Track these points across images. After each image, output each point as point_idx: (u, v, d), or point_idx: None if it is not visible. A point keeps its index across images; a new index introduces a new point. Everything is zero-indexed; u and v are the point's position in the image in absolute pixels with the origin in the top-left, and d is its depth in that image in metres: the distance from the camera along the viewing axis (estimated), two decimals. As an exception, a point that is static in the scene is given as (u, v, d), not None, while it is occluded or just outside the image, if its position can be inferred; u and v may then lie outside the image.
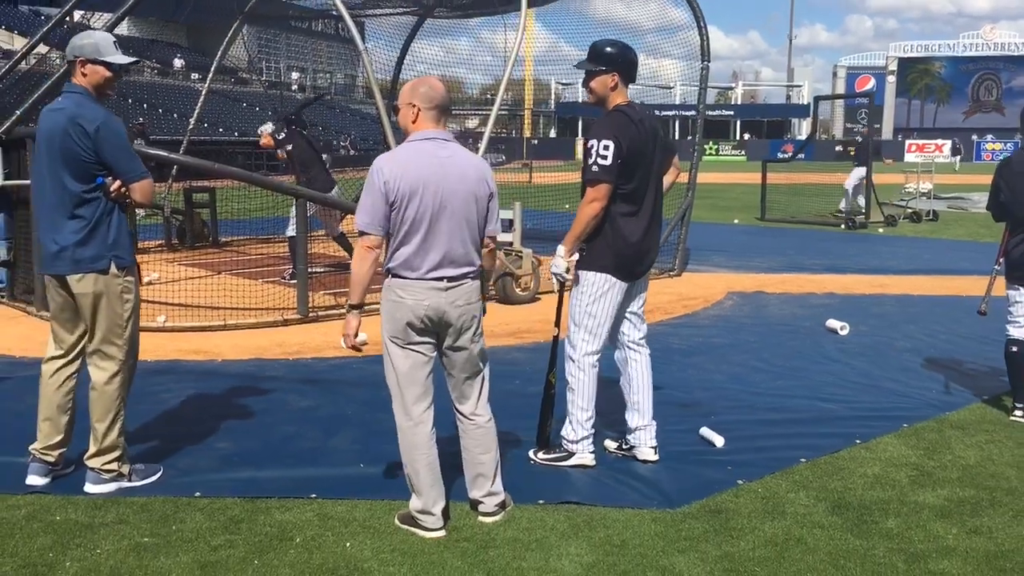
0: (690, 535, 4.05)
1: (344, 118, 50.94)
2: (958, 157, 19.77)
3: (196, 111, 14.53)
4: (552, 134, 67.76)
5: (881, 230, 17.38)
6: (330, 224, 11.10)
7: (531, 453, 4.94)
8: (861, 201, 18.50)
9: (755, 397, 6.19)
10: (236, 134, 38.65)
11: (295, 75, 60.96)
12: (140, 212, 14.09)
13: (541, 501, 4.38)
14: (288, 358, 7.22)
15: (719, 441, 5.20)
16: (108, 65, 4.40)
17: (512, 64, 9.54)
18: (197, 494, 4.43)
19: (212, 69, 14.71)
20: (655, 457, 4.91)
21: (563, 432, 4.88)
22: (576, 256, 4.69)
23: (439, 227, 3.89)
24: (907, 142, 57.21)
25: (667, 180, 4.96)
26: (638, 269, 4.79)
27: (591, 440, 4.88)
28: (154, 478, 4.61)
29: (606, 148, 4.49)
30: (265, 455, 5.01)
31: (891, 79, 73.38)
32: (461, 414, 4.19)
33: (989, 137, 61.97)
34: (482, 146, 9.30)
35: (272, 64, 58.64)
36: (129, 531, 4.02)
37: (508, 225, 9.56)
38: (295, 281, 9.10)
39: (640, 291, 4.92)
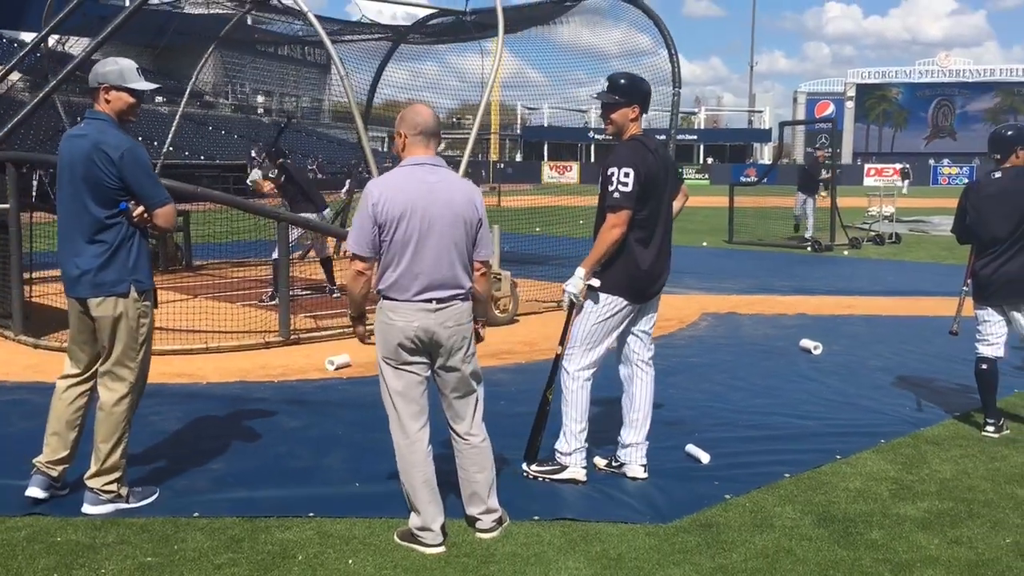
0: (683, 548, 4.16)
1: (311, 141, 50.92)
2: (907, 181, 20.28)
3: (170, 135, 14.51)
4: (518, 158, 68.15)
5: (846, 252, 17.73)
6: (318, 245, 11.14)
7: (524, 466, 5.04)
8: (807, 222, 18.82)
9: (736, 415, 6.34)
10: (202, 157, 38.47)
11: (260, 98, 60.84)
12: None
13: (536, 517, 4.47)
14: (273, 380, 7.26)
15: (705, 457, 5.34)
16: (132, 92, 4.47)
17: (490, 90, 9.69)
18: (196, 514, 4.47)
19: (186, 93, 14.71)
20: (644, 475, 5.03)
21: (556, 445, 5.00)
22: (596, 282, 4.81)
23: (426, 250, 4.00)
24: (866, 166, 58.31)
25: (676, 205, 5.15)
26: (649, 291, 4.94)
27: (584, 455, 4.99)
28: (151, 499, 4.64)
29: (626, 175, 4.64)
30: (260, 475, 5.06)
31: (850, 105, 74.78)
32: (456, 434, 4.28)
33: (945, 161, 63.28)
34: (460, 170, 9.42)
35: (238, 87, 58.49)
36: (132, 551, 4.06)
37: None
38: (274, 302, 9.15)
39: (651, 311, 5.07)
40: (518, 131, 68.72)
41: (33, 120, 10.80)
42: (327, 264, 11.18)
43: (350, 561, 3.98)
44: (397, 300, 4.02)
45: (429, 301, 4.01)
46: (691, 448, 5.44)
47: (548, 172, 58.38)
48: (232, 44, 17.31)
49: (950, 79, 73.21)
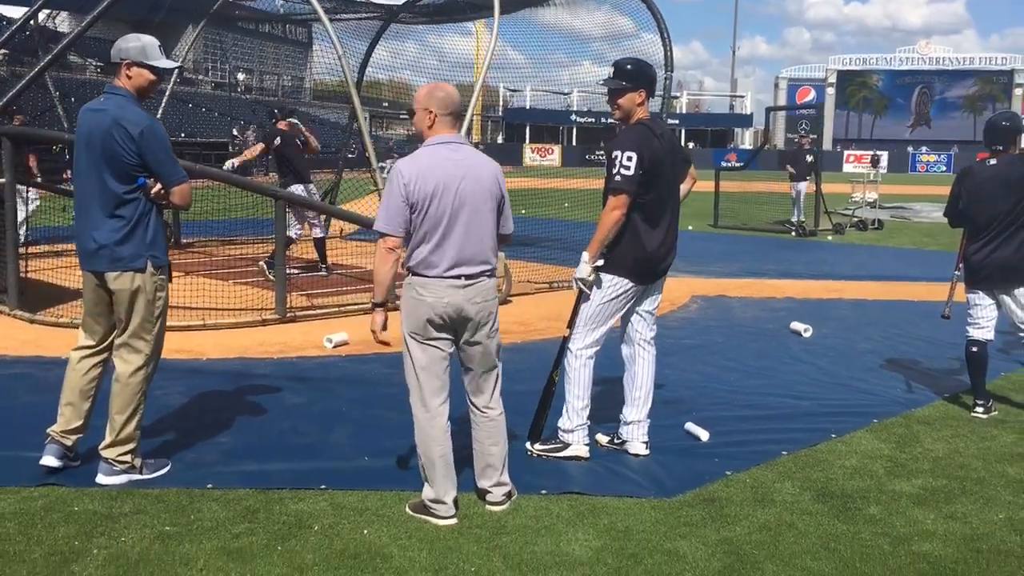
0: (688, 521, 4.28)
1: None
2: (876, 169, 20.62)
3: (159, 113, 14.40)
4: (500, 140, 68.04)
5: (830, 238, 17.93)
6: (301, 216, 11.18)
7: (528, 445, 5.14)
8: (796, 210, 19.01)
9: (732, 395, 6.47)
10: (183, 135, 38.18)
11: (241, 76, 60.42)
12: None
13: (544, 491, 4.58)
14: (272, 357, 7.32)
15: (704, 435, 5.46)
16: (153, 69, 4.50)
17: (485, 71, 9.73)
18: (209, 486, 4.55)
19: (176, 70, 14.56)
20: (646, 452, 5.15)
21: (559, 422, 5.10)
22: (601, 262, 4.90)
23: (457, 227, 4.08)
24: (846, 152, 58.68)
25: (684, 188, 5.26)
26: (655, 273, 5.03)
27: (586, 433, 5.09)
28: (164, 471, 4.71)
29: (629, 159, 4.72)
30: (267, 449, 5.14)
31: (830, 91, 75.09)
32: (475, 407, 4.37)
33: (924, 149, 63.78)
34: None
35: (218, 65, 58.04)
36: (150, 520, 4.13)
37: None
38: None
39: (656, 291, 5.17)
40: (500, 113, 68.61)
41: (22, 97, 10.73)
42: (320, 244, 11.21)
43: (365, 531, 4.07)
44: (427, 276, 4.10)
45: (458, 277, 4.10)
46: (690, 426, 5.56)
47: (529, 154, 58.34)
48: (215, 21, 17.20)
49: (930, 67, 73.69)
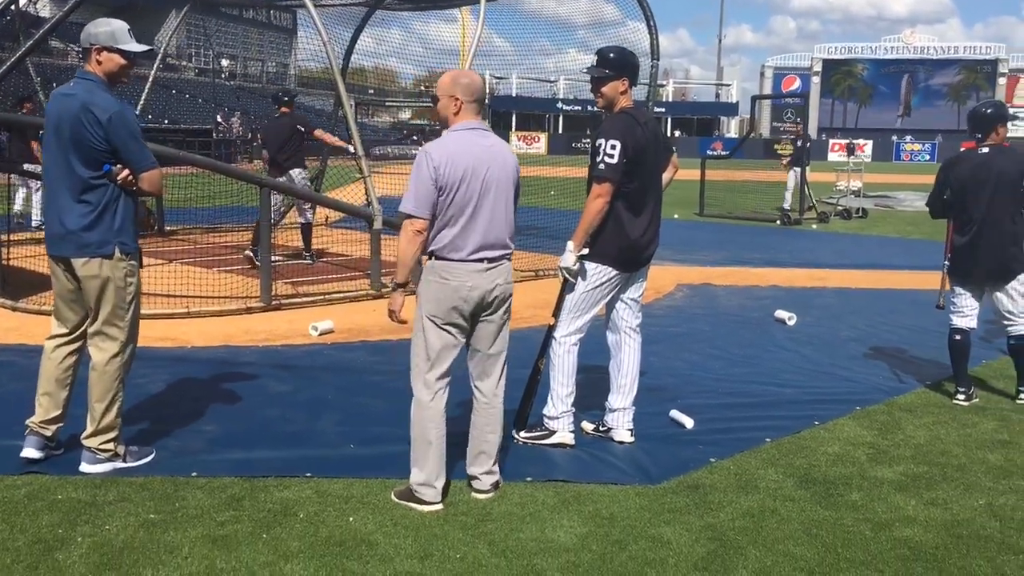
0: (673, 508, 4.31)
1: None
2: (852, 157, 20.81)
3: (142, 99, 14.32)
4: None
5: (815, 226, 18.00)
6: (303, 208, 11.13)
7: (513, 432, 5.15)
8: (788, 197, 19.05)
9: (716, 382, 6.50)
10: (166, 121, 37.97)
11: (225, 62, 60.01)
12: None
13: (529, 479, 4.59)
14: (257, 345, 7.30)
15: (688, 423, 5.48)
16: (123, 53, 4.46)
17: (472, 58, 9.70)
18: (194, 474, 4.54)
19: (159, 56, 14.52)
20: (631, 439, 5.17)
21: (544, 410, 5.11)
22: (585, 251, 4.91)
23: (482, 211, 4.15)
24: (831, 141, 58.88)
25: (666, 177, 5.27)
26: (638, 261, 5.05)
27: (571, 420, 5.11)
28: (148, 459, 4.69)
29: (613, 147, 4.73)
30: (253, 437, 5.13)
31: (816, 80, 75.33)
32: (479, 391, 4.41)
33: (908, 138, 64.07)
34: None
35: (202, 51, 57.64)
36: (134, 509, 4.12)
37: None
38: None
39: (640, 279, 5.18)
40: (487, 101, 68.36)
41: (3, 83, 10.64)
42: (307, 231, 11.18)
43: (351, 519, 4.08)
44: (451, 260, 4.15)
45: (481, 261, 4.17)
46: (675, 413, 5.59)
47: (516, 142, 58.26)
48: (198, 6, 17.07)
49: (915, 55, 73.94)
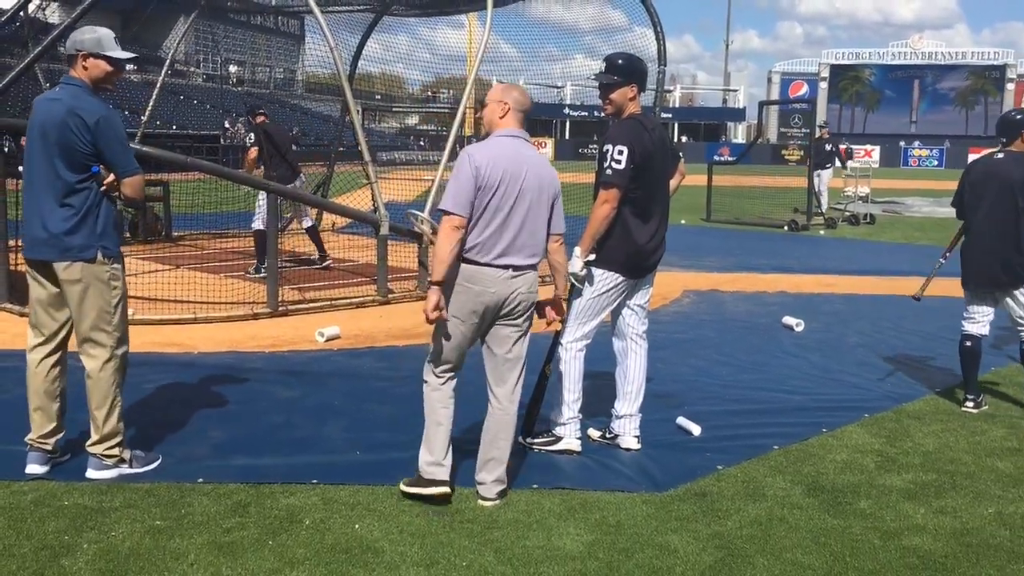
0: (680, 516, 4.29)
1: (284, 112, 50.47)
2: (849, 162, 20.92)
3: (150, 105, 14.37)
4: (493, 133, 67.80)
5: (822, 232, 17.96)
6: (299, 214, 11.13)
7: (520, 438, 5.14)
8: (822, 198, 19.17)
9: (723, 389, 6.48)
10: (174, 127, 38.04)
11: (233, 68, 60.09)
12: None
13: (535, 486, 4.58)
14: (264, 351, 7.30)
15: (696, 430, 5.46)
16: (110, 60, 4.47)
17: (479, 64, 9.71)
18: (200, 480, 4.54)
19: (168, 62, 14.60)
20: (638, 446, 5.15)
21: (551, 416, 5.10)
22: (592, 256, 4.90)
23: (514, 217, 4.21)
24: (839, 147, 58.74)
25: (673, 184, 5.26)
26: (645, 267, 5.03)
27: (578, 426, 5.10)
28: (154, 465, 4.69)
29: (620, 153, 4.73)
30: (259, 443, 5.12)
31: (823, 85, 75.14)
32: (495, 397, 4.44)
33: (916, 143, 63.90)
34: (448, 145, 9.50)
35: (210, 57, 57.78)
36: (140, 515, 4.12)
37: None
38: (262, 275, 9.17)
39: (647, 285, 5.17)
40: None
41: (12, 88, 10.67)
42: (314, 234, 11.18)
43: (356, 526, 4.07)
44: (478, 264, 4.20)
45: (507, 267, 4.23)
46: (682, 420, 5.57)
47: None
48: (206, 12, 17.12)
49: (923, 61, 73.76)
